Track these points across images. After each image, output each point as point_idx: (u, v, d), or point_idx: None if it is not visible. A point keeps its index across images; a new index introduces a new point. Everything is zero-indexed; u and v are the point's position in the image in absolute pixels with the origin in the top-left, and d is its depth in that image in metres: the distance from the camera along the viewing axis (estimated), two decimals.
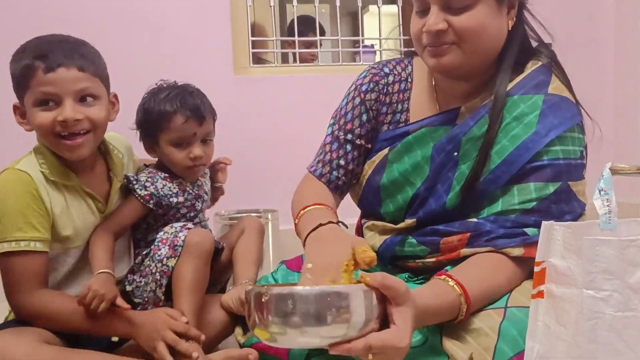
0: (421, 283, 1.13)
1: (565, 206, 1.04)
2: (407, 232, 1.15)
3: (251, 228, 1.52)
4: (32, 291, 1.17)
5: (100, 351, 1.18)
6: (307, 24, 2.81)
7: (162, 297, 1.33)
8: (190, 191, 1.46)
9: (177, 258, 1.30)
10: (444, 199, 1.11)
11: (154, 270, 1.32)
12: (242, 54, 2.35)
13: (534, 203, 1.03)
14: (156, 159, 1.49)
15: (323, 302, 0.78)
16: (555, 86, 1.10)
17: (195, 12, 2.24)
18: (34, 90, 1.16)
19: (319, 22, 2.64)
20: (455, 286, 0.94)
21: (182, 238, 1.31)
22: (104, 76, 1.26)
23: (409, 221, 1.14)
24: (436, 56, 1.07)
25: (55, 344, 1.16)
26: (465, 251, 1.06)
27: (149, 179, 1.40)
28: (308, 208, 1.11)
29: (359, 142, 1.22)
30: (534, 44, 1.16)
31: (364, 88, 1.21)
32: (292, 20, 2.83)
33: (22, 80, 1.18)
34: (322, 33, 2.91)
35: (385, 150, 1.18)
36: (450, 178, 1.11)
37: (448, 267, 1.08)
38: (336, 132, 1.23)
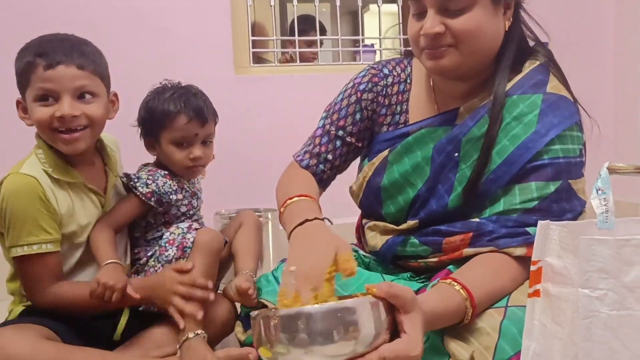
0: (423, 282, 1.14)
1: (566, 204, 1.05)
2: (409, 232, 1.15)
3: (249, 222, 1.53)
4: (49, 287, 1.23)
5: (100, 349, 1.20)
6: (307, 23, 2.81)
7: None
8: (188, 189, 1.48)
9: (185, 260, 1.31)
10: (446, 200, 1.11)
11: (159, 271, 1.33)
12: (242, 54, 2.35)
13: (536, 202, 1.04)
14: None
15: (332, 320, 0.77)
16: (554, 85, 1.10)
17: (196, 12, 2.24)
18: (34, 86, 1.20)
19: (320, 21, 2.64)
20: (461, 290, 0.94)
21: (191, 240, 1.32)
22: (104, 75, 1.28)
23: (411, 222, 1.15)
24: (434, 59, 1.07)
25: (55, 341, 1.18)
26: (467, 251, 1.06)
27: (150, 177, 1.41)
28: (294, 199, 1.11)
29: (349, 140, 1.22)
30: (532, 43, 1.17)
31: (361, 87, 1.21)
32: (293, 20, 2.83)
33: (23, 77, 1.21)
34: (323, 32, 2.91)
35: (385, 152, 1.19)
36: (452, 179, 1.11)
37: (450, 267, 1.08)
38: (327, 126, 1.23)
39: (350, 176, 1.29)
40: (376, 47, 2.76)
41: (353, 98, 1.22)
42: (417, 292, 1.00)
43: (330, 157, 1.23)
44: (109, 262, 1.24)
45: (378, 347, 0.79)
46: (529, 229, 1.02)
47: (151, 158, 1.52)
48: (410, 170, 1.15)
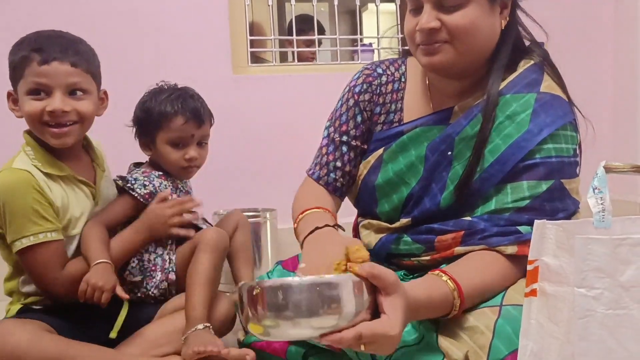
0: None
1: (559, 204, 1.05)
2: (402, 231, 1.16)
3: (244, 225, 1.55)
4: (60, 273, 1.25)
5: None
6: (306, 23, 2.81)
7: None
8: (182, 188, 1.51)
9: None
10: (439, 198, 1.11)
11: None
12: (240, 53, 2.35)
13: (527, 201, 1.04)
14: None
15: (313, 292, 0.79)
16: (548, 85, 1.10)
17: (194, 12, 2.24)
18: (27, 80, 1.23)
19: (319, 21, 2.64)
20: (448, 281, 0.94)
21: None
22: (96, 73, 1.32)
23: (404, 220, 1.15)
24: (429, 54, 1.08)
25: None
26: (459, 249, 1.06)
27: (146, 178, 1.42)
28: (307, 212, 1.13)
29: (354, 144, 1.23)
30: (528, 43, 1.17)
31: (357, 89, 1.22)
32: (291, 19, 2.83)
33: (17, 69, 1.24)
34: (322, 32, 2.91)
35: (380, 151, 1.19)
36: (445, 177, 1.11)
37: (443, 265, 1.08)
38: (332, 135, 1.24)
39: None
40: (374, 46, 2.76)
41: (351, 102, 1.22)
42: None
43: (339, 164, 1.23)
44: (99, 262, 1.25)
45: (357, 325, 0.80)
46: (521, 228, 1.03)
47: (137, 158, 1.52)
48: (404, 169, 1.16)
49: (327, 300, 0.79)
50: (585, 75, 2.51)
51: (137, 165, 1.51)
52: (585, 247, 0.78)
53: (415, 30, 1.08)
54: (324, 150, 1.25)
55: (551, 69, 1.13)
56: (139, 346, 1.26)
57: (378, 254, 1.19)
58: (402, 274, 1.17)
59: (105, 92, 1.36)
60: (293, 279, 0.82)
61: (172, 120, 1.43)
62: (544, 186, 1.04)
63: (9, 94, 1.29)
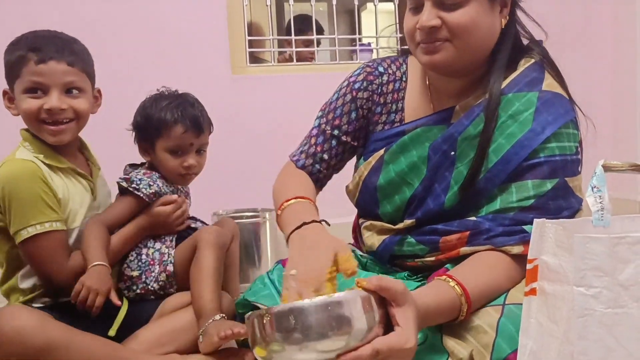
0: (420, 281, 1.13)
1: (563, 202, 1.04)
2: (405, 232, 1.15)
3: (237, 236, 1.60)
4: (64, 264, 1.27)
5: None
6: (304, 23, 2.81)
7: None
8: (181, 189, 1.52)
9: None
10: (443, 199, 1.11)
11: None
12: (239, 54, 2.35)
13: (532, 200, 1.03)
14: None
15: (324, 313, 0.76)
16: (549, 83, 1.10)
17: (192, 12, 2.24)
18: (24, 79, 1.25)
19: (317, 21, 2.64)
20: (455, 286, 0.94)
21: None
22: (91, 72, 1.35)
23: (407, 221, 1.14)
24: (429, 53, 1.07)
25: None
26: (464, 250, 1.06)
27: (149, 179, 1.43)
28: (291, 201, 1.11)
29: (345, 139, 1.22)
30: (527, 42, 1.17)
31: (356, 86, 1.21)
32: (290, 19, 2.83)
33: (14, 69, 1.26)
34: (320, 32, 2.91)
35: (381, 151, 1.18)
36: (448, 178, 1.11)
37: (448, 266, 1.08)
38: (323, 126, 1.23)
39: (347, 175, 1.29)
40: (373, 46, 2.76)
41: (348, 97, 1.21)
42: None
43: (326, 156, 1.23)
44: (95, 264, 1.25)
45: (372, 341, 0.79)
46: (526, 227, 1.02)
47: (131, 159, 1.53)
48: (406, 170, 1.15)
49: (338, 320, 0.77)
50: (584, 74, 2.51)
51: (133, 166, 1.51)
52: (584, 246, 0.78)
53: (415, 28, 1.07)
54: (312, 140, 1.24)
55: (551, 67, 1.13)
56: (141, 344, 1.27)
57: (381, 256, 1.19)
58: (406, 275, 1.17)
59: (99, 91, 1.39)
60: (304, 302, 0.78)
61: (171, 128, 1.44)
62: (549, 185, 1.04)
63: (5, 92, 1.31)
